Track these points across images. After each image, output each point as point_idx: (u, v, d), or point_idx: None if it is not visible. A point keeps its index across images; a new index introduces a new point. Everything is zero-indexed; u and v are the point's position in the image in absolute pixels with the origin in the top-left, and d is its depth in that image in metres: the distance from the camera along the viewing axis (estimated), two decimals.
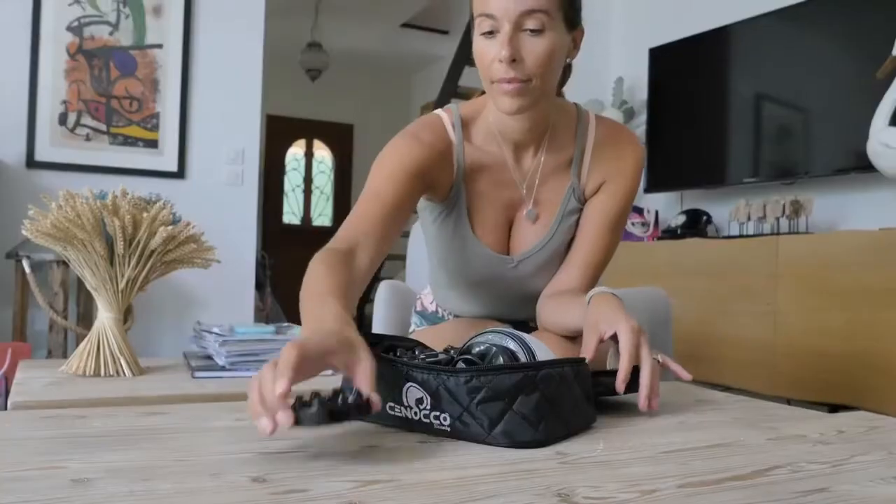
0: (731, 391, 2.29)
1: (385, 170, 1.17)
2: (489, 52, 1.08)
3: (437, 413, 0.77)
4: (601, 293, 1.07)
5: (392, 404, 0.81)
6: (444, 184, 1.24)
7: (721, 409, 1.00)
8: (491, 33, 1.07)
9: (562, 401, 0.78)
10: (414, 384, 0.79)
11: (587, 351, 0.98)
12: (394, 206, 1.14)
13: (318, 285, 0.93)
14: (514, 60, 1.06)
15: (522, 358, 0.83)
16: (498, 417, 0.74)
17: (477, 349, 0.84)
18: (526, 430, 0.74)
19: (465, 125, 1.25)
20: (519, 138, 1.22)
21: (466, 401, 0.75)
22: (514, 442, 0.73)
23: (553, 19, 1.06)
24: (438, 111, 1.27)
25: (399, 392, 0.80)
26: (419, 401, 0.78)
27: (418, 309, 1.54)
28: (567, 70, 1.22)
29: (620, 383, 0.91)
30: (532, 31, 1.05)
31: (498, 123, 1.22)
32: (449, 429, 0.76)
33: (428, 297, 1.52)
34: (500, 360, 0.82)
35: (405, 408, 0.80)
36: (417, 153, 1.18)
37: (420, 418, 0.78)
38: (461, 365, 0.81)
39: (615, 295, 1.07)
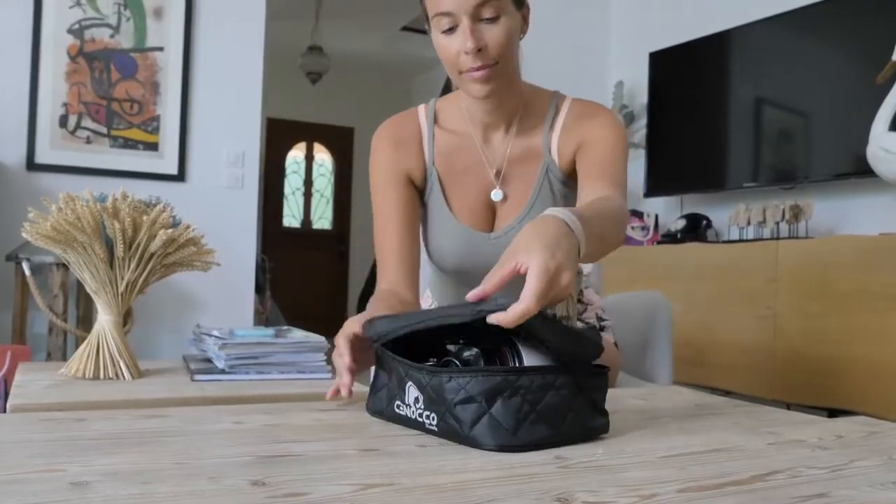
0: (731, 395, 2.30)
1: (378, 190, 1.31)
2: (452, 47, 1.15)
3: (428, 412, 0.79)
4: (547, 214, 0.85)
5: (398, 402, 0.83)
6: (420, 171, 1.32)
7: (720, 413, 1.00)
8: (451, 29, 1.14)
9: (551, 407, 0.76)
10: (412, 383, 0.81)
11: (489, 283, 0.78)
12: (401, 220, 1.28)
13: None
14: (479, 50, 1.13)
15: (511, 362, 0.82)
16: (475, 420, 0.74)
17: (466, 353, 0.84)
18: (503, 434, 0.73)
19: (440, 114, 1.34)
20: (488, 119, 1.29)
21: (447, 401, 0.76)
22: (494, 445, 0.73)
23: (504, 3, 1.13)
24: (419, 105, 1.37)
25: (403, 391, 0.82)
26: (416, 399, 0.80)
27: None
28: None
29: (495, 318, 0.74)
30: (489, 19, 1.13)
31: (468, 108, 1.30)
32: (436, 428, 0.78)
33: (426, 301, 1.52)
34: (481, 363, 0.82)
35: (406, 406, 0.82)
36: (390, 156, 1.30)
37: (416, 417, 0.80)
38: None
39: (564, 220, 0.83)
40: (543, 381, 0.76)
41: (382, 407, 0.86)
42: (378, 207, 1.30)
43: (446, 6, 1.12)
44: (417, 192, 1.34)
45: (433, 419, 0.78)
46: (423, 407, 0.79)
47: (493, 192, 1.30)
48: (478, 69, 1.14)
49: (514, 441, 0.73)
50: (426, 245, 1.37)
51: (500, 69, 1.16)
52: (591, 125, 1.25)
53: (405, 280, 1.26)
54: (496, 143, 1.30)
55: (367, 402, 0.90)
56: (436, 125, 1.33)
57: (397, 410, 0.83)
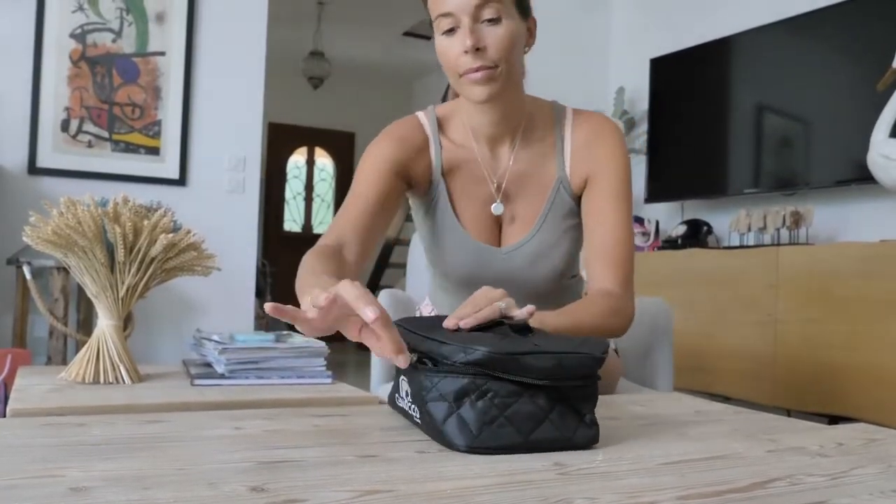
0: (731, 402, 2.30)
1: (364, 172, 1.24)
2: (453, 48, 1.13)
3: (414, 406, 0.82)
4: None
5: (398, 395, 0.88)
6: (423, 177, 1.29)
7: (720, 420, 1.00)
8: (451, 30, 1.13)
9: (521, 413, 0.75)
10: (403, 376, 0.85)
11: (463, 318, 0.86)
12: (375, 204, 1.20)
13: (311, 272, 1.01)
14: (478, 49, 1.11)
15: None
16: (444, 418, 0.76)
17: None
18: (467, 435, 0.74)
19: (442, 123, 1.30)
20: (491, 132, 1.26)
21: (422, 397, 0.78)
22: (464, 446, 0.73)
23: (506, 7, 1.12)
24: (417, 112, 1.33)
25: (398, 382, 0.87)
26: (407, 392, 0.84)
27: None
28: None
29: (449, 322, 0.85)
30: (490, 20, 1.11)
31: (470, 120, 1.27)
32: (420, 422, 0.81)
33: (427, 308, 1.52)
34: None
35: (401, 398, 0.86)
36: (391, 151, 1.25)
37: (408, 409, 0.84)
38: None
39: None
40: (514, 387, 0.75)
41: (393, 397, 0.91)
42: (358, 187, 1.23)
43: (447, 7, 1.11)
44: (414, 193, 1.32)
45: (417, 413, 0.81)
46: (410, 400, 0.83)
47: (493, 206, 1.28)
48: (476, 70, 1.12)
49: (474, 443, 0.73)
50: (433, 256, 1.36)
51: (500, 73, 1.14)
52: (600, 154, 1.25)
53: (355, 247, 1.16)
54: (502, 158, 1.28)
55: (389, 393, 0.95)
56: (440, 134, 1.30)
57: (397, 402, 0.88)
